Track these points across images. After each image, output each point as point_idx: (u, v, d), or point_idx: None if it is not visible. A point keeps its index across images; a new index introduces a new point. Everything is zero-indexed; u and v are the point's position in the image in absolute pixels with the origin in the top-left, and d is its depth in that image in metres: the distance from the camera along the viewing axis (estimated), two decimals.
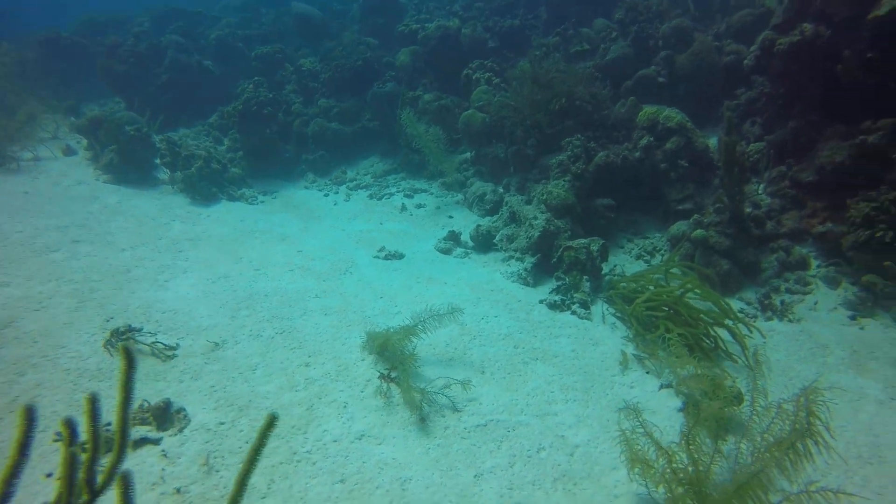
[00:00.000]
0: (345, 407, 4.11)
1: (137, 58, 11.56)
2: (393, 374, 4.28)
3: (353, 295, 5.80)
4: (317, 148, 10.41)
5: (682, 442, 3.19)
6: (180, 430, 3.67)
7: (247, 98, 9.91)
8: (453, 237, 7.18)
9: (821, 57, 6.23)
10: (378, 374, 4.34)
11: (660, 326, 4.91)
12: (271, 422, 1.70)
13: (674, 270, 5.71)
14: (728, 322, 4.90)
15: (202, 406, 3.97)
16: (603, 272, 6.20)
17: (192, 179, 8.40)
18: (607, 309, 5.64)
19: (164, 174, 9.00)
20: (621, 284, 5.78)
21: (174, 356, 4.46)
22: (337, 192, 9.42)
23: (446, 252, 7.05)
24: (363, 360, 4.65)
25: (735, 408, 3.98)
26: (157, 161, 8.99)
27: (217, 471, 3.42)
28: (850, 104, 6.10)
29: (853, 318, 5.41)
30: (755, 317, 5.65)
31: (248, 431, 3.79)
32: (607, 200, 7.11)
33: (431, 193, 9.15)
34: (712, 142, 7.46)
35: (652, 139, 7.26)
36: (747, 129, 7.57)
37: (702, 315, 5.00)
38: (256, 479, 3.42)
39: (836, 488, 2.75)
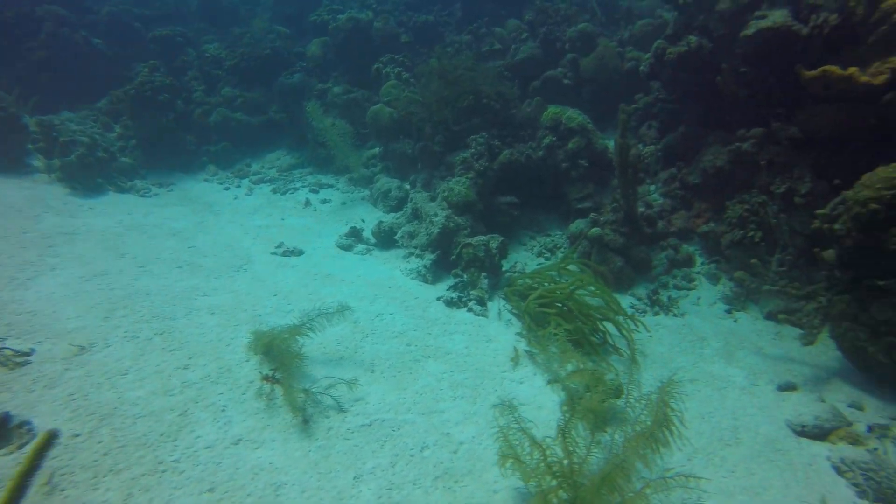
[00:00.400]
0: (223, 411, 3.87)
1: (2, 27, 10.31)
2: (277, 375, 4.08)
3: (245, 293, 5.50)
4: (220, 139, 9.86)
5: (559, 435, 3.24)
6: (20, 447, 3.27)
7: (141, 82, 9.21)
8: (355, 233, 7.02)
9: (704, 68, 6.63)
10: (261, 375, 4.12)
11: (551, 322, 5.00)
12: (48, 439, 1.50)
13: (570, 267, 5.84)
14: (618, 318, 5.08)
15: (55, 417, 3.57)
16: (503, 269, 6.27)
17: (71, 168, 7.67)
18: (504, 306, 5.70)
19: (39, 161, 8.15)
20: (519, 281, 5.86)
21: (26, 363, 4.01)
22: (239, 186, 8.97)
23: (347, 248, 6.87)
24: (248, 360, 4.40)
25: (615, 400, 4.13)
26: (31, 147, 8.13)
27: (62, 489, 3.08)
28: (730, 112, 6.53)
29: (729, 311, 5.80)
30: (645, 312, 5.92)
31: (109, 442, 3.46)
32: (510, 198, 7.21)
33: (338, 189, 8.91)
34: (611, 143, 7.76)
35: (554, 139, 7.44)
36: (644, 132, 7.93)
37: (592, 311, 5.15)
38: (111, 496, 3.12)
39: (689, 473, 2.90)
